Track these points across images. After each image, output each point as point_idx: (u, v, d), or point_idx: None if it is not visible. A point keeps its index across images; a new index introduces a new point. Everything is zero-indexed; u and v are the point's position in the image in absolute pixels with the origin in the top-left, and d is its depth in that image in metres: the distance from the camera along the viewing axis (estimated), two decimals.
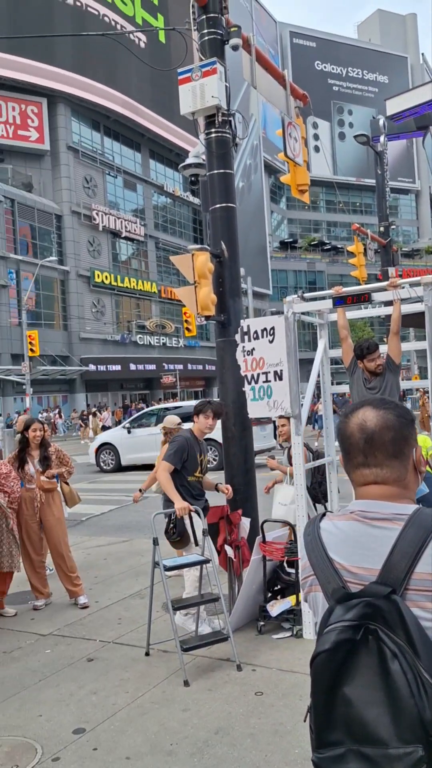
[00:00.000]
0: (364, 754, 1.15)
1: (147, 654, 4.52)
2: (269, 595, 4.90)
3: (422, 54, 75.20)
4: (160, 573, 4.37)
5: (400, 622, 1.15)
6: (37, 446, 5.82)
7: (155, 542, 4.38)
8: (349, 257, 18.04)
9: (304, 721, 1.27)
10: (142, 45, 41.68)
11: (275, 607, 4.71)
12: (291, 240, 64.66)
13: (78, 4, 38.37)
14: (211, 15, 6.35)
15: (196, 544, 4.75)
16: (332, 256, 63.47)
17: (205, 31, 6.36)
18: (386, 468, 1.32)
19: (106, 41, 37.45)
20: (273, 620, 4.75)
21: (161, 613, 5.18)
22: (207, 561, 4.52)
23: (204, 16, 6.37)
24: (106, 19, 40.14)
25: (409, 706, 1.11)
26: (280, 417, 6.99)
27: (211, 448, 14.03)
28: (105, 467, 16.50)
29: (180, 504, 4.58)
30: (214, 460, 14.02)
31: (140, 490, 6.00)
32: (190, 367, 45.44)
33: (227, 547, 4.79)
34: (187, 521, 4.76)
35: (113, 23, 40.68)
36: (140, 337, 42.64)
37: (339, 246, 61.60)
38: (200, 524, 4.71)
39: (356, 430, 1.35)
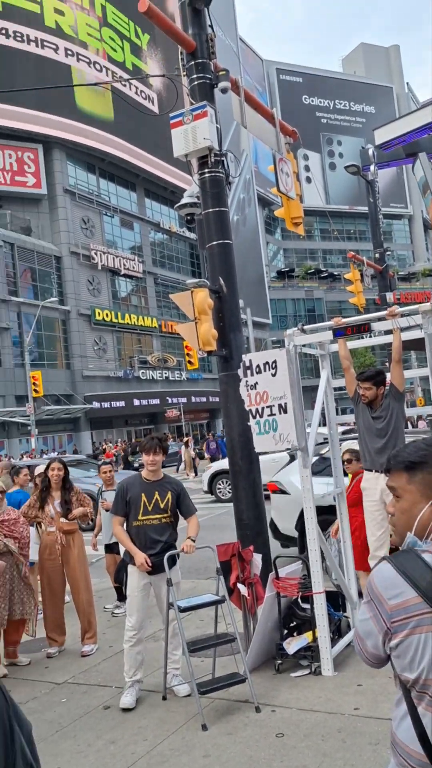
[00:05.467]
0: None
1: (164, 698, 4.44)
2: (285, 632, 4.83)
3: (407, 83, 77.09)
4: (175, 614, 4.32)
5: None
6: (57, 487, 5.81)
7: (169, 583, 4.34)
8: (346, 284, 18.20)
9: None
10: (133, 90, 42.80)
11: (292, 645, 4.64)
12: (288, 269, 65.30)
13: (69, 52, 39.50)
14: (200, 61, 6.54)
15: (121, 599, 4.70)
16: (330, 283, 64.02)
17: (195, 76, 6.54)
18: None
19: (98, 87, 38.47)
20: (290, 658, 4.67)
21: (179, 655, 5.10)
22: (221, 601, 4.46)
23: (193, 62, 6.56)
24: (96, 66, 41.26)
25: None
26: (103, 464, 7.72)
27: None
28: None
29: (138, 560, 4.43)
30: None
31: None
32: (193, 399, 45.44)
33: (240, 585, 4.74)
34: (129, 575, 4.63)
35: (105, 70, 41.80)
36: (143, 372, 42.77)
37: (336, 273, 62.15)
38: (139, 578, 4.53)
39: None
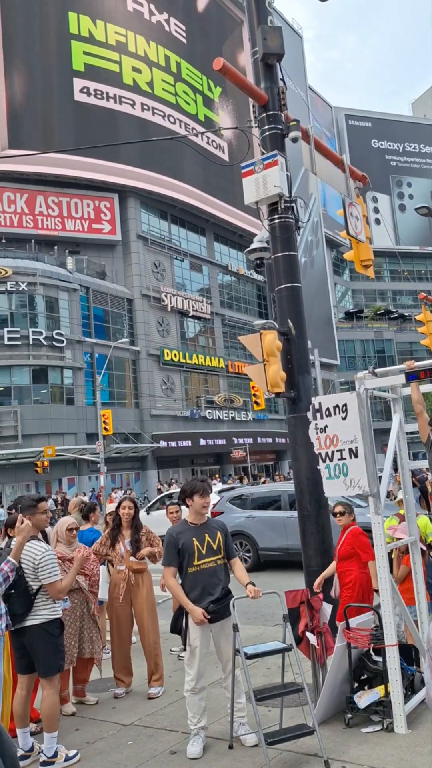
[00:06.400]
0: None
1: (230, 747, 4.35)
2: (356, 685, 4.66)
3: None
4: (241, 661, 4.25)
5: None
6: (128, 525, 5.89)
7: (235, 628, 4.29)
8: (417, 325, 17.91)
9: None
10: (205, 140, 44.45)
11: (363, 698, 4.47)
12: (356, 310, 64.80)
13: (145, 107, 41.54)
14: (272, 113, 6.75)
15: (184, 648, 4.52)
16: (400, 324, 62.99)
17: (266, 127, 6.75)
18: None
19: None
20: (361, 712, 4.49)
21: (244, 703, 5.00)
22: (289, 649, 4.36)
23: (264, 114, 6.78)
24: (170, 119, 43.13)
25: None
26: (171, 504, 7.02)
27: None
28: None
29: (196, 617, 4.31)
30: None
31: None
32: (259, 440, 45.24)
33: (309, 634, 4.63)
34: (190, 624, 4.45)
35: (178, 122, 43.65)
36: (209, 412, 43.06)
37: (406, 314, 61.17)
38: (201, 627, 4.37)
39: None
